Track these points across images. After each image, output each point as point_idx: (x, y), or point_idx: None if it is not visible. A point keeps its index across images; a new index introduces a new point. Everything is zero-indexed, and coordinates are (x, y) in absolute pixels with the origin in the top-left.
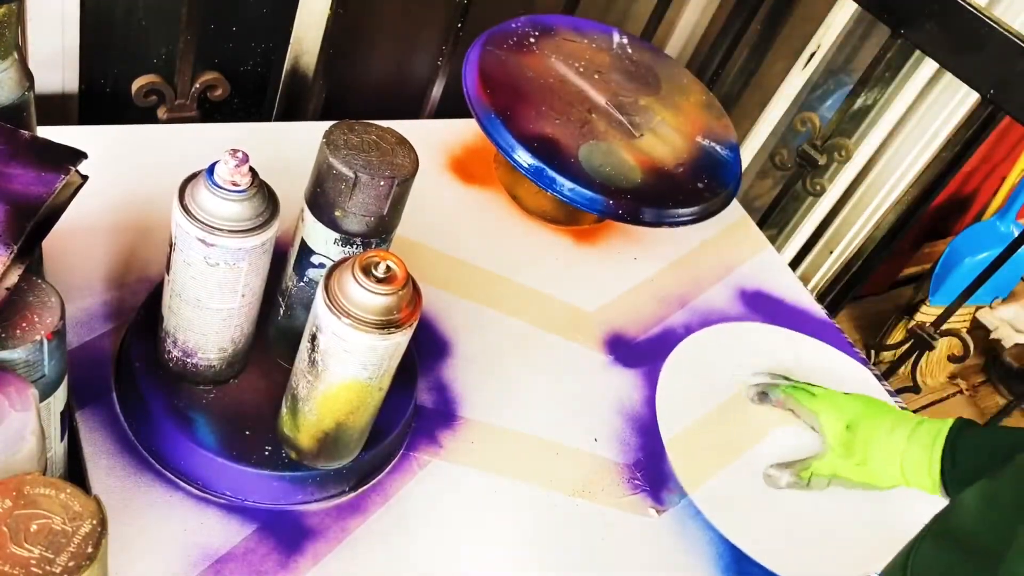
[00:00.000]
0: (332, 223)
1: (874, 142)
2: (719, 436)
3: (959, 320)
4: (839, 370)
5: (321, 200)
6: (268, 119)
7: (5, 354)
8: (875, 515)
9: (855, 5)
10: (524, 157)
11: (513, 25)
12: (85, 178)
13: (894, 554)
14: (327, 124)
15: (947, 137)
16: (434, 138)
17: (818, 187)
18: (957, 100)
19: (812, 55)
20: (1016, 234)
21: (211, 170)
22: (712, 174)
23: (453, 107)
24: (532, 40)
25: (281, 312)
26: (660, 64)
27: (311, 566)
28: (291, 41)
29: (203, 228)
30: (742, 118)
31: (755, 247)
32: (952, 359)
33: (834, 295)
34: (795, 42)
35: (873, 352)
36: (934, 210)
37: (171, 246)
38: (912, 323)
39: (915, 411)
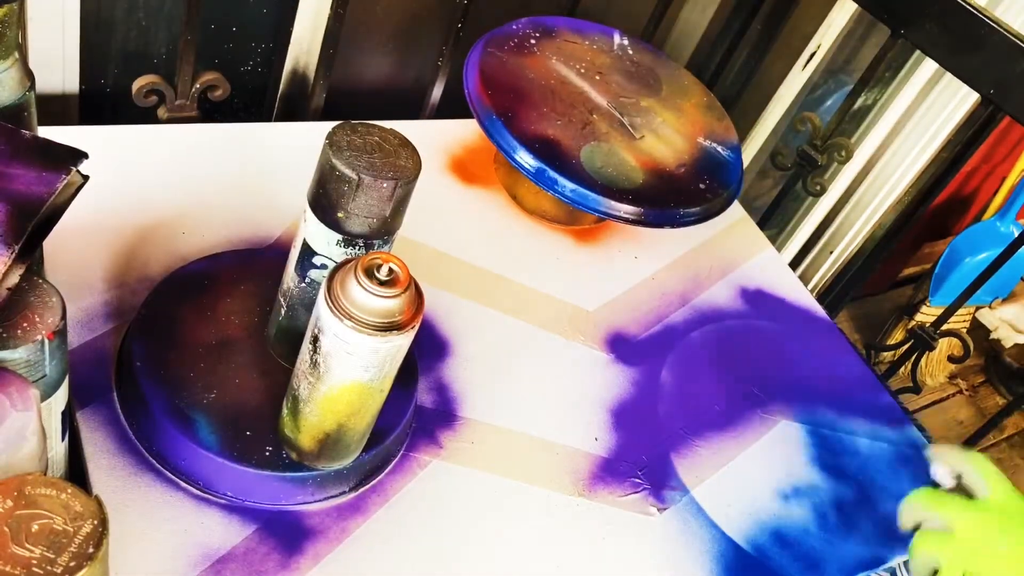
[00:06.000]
0: (334, 224)
1: (874, 142)
2: (721, 433)
3: (959, 320)
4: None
5: (324, 201)
6: (268, 119)
7: (6, 354)
8: (879, 512)
9: (855, 5)
10: (526, 158)
11: (514, 27)
12: (86, 178)
13: (898, 552)
14: (328, 124)
15: (947, 137)
16: (434, 138)
17: (818, 187)
18: (957, 100)
19: (812, 55)
20: (1016, 234)
21: None
22: (713, 175)
23: (453, 107)
24: (533, 41)
25: (283, 312)
26: (661, 65)
27: (311, 566)
28: (291, 41)
29: None
30: (742, 118)
31: (755, 247)
32: (952, 359)
33: (834, 295)
34: (795, 42)
35: (873, 352)
36: (934, 210)
37: None
38: (912, 323)
39: (915, 411)
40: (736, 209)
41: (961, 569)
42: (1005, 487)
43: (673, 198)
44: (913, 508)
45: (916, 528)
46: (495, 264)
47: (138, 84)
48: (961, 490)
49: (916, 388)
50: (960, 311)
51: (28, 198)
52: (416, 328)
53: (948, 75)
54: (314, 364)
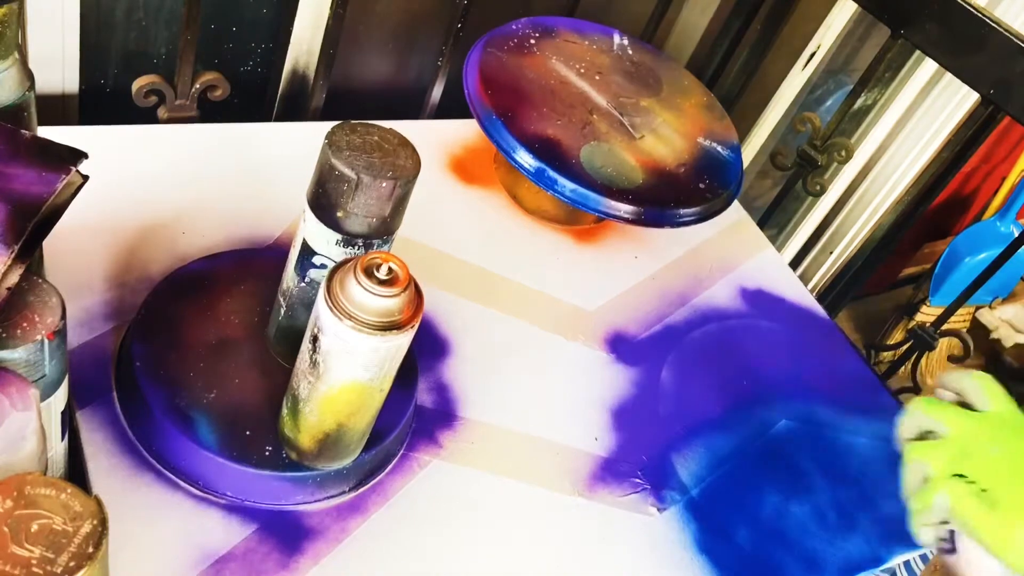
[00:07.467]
0: (334, 224)
1: (874, 142)
2: (720, 434)
3: (959, 320)
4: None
5: (323, 201)
6: (268, 119)
7: (6, 354)
8: (879, 512)
9: (855, 5)
10: (526, 158)
11: (514, 27)
12: (86, 178)
13: (898, 552)
14: (327, 124)
15: (947, 137)
16: (434, 138)
17: (818, 187)
18: (957, 100)
19: (812, 55)
20: (1016, 234)
21: None
22: (713, 175)
23: (453, 107)
24: (533, 42)
25: (282, 312)
26: (661, 65)
27: (311, 566)
28: (291, 41)
29: None
30: (742, 118)
31: (755, 247)
32: (952, 359)
33: (834, 295)
34: (795, 42)
35: (873, 352)
36: (934, 210)
37: None
38: (912, 323)
39: None
40: (736, 209)
41: (950, 472)
42: (1007, 402)
43: (673, 198)
44: (912, 416)
45: (914, 439)
46: (495, 264)
47: (138, 84)
48: (963, 406)
49: (916, 388)
50: (960, 311)
51: (28, 198)
52: (416, 327)
53: (948, 75)
54: (314, 364)
